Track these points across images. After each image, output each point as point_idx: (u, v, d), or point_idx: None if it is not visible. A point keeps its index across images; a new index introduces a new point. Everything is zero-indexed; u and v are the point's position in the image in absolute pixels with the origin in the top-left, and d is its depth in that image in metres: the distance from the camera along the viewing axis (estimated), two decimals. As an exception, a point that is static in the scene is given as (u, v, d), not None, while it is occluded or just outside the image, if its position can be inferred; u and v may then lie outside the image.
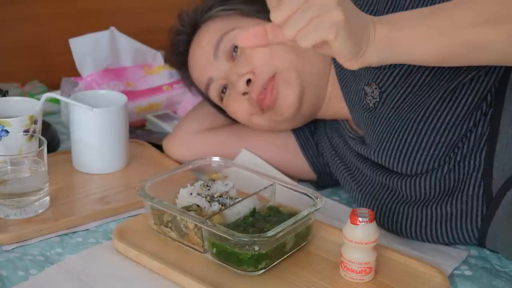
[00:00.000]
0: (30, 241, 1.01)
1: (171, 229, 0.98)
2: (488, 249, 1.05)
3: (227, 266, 0.92)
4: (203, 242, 0.94)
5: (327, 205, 1.13)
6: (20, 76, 1.58)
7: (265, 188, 1.03)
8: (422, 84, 0.99)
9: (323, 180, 1.26)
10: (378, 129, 1.04)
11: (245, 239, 0.89)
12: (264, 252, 0.90)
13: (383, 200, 1.08)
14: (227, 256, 0.91)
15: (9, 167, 1.03)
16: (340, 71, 1.11)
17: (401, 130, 1.01)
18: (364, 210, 0.89)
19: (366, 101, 1.05)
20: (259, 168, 1.16)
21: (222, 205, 0.99)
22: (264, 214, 0.99)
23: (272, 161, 1.24)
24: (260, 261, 0.90)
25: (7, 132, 1.08)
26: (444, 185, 1.02)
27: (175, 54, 1.31)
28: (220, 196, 1.01)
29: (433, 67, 0.97)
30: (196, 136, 1.26)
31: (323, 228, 1.02)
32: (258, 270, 0.91)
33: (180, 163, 1.21)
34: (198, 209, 0.97)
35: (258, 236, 0.89)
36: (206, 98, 1.28)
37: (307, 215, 0.94)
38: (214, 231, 0.91)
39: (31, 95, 1.48)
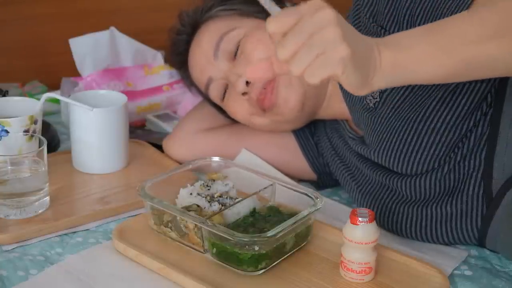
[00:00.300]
0: (30, 241, 1.01)
1: (171, 229, 0.98)
2: (488, 249, 1.05)
3: (227, 266, 0.92)
4: (203, 242, 0.94)
5: (327, 205, 1.13)
6: (20, 76, 1.58)
7: (265, 188, 1.02)
8: (422, 84, 0.99)
9: (323, 180, 1.26)
10: (378, 129, 1.04)
11: (245, 239, 0.89)
12: (264, 252, 0.90)
13: (383, 200, 1.08)
14: (227, 256, 0.91)
15: (9, 167, 1.03)
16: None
17: (401, 130, 1.01)
18: (364, 210, 0.89)
19: (366, 101, 1.05)
20: (259, 168, 1.16)
21: (222, 205, 0.99)
22: (264, 214, 0.99)
23: (272, 161, 1.24)
24: (260, 261, 0.90)
25: (7, 132, 1.08)
26: (444, 185, 1.02)
27: (175, 54, 1.32)
28: (220, 196, 1.01)
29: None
30: (196, 136, 1.26)
31: (323, 228, 1.02)
32: (258, 270, 0.91)
33: (180, 163, 1.21)
34: (198, 209, 0.97)
35: (258, 236, 0.89)
36: (206, 98, 1.28)
37: (307, 215, 0.94)
38: (214, 231, 0.91)
39: (31, 95, 1.48)
